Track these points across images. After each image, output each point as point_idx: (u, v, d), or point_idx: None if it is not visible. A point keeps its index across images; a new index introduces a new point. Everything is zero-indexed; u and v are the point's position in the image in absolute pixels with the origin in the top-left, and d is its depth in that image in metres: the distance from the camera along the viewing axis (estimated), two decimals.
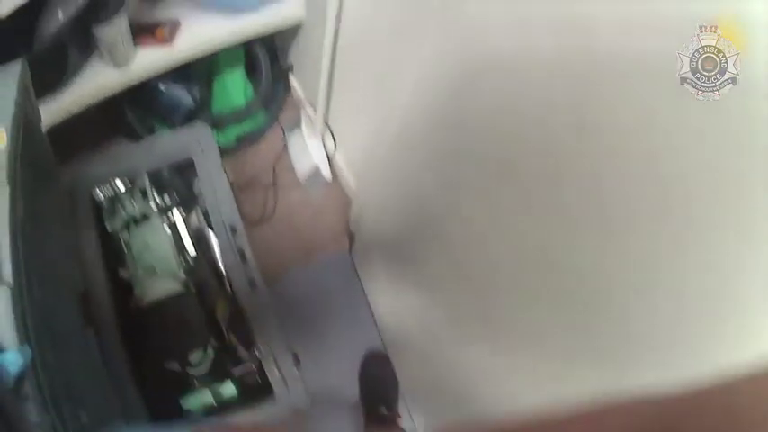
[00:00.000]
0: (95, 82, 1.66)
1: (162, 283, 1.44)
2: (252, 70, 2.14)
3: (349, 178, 2.00)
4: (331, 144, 2.02)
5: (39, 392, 0.90)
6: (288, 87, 2.24)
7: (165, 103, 1.96)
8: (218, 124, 2.02)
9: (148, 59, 1.71)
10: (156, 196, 1.53)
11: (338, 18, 1.60)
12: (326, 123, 1.98)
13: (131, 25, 1.63)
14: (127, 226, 1.53)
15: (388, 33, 1.40)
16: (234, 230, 1.44)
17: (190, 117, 1.94)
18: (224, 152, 1.57)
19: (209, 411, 1.36)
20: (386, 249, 1.73)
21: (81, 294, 1.37)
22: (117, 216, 1.51)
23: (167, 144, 1.58)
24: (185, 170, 1.59)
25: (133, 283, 1.47)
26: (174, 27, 1.74)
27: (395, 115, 1.36)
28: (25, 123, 1.25)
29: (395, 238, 1.61)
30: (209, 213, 1.48)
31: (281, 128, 2.18)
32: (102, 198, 1.51)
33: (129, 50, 1.66)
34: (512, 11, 0.85)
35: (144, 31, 1.71)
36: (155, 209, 1.52)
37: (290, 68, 2.19)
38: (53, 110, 1.61)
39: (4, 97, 1.19)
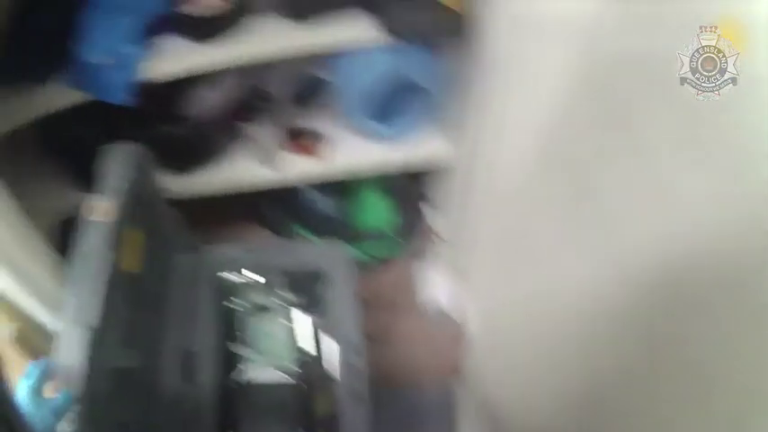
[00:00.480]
0: (237, 171, 1.82)
1: (271, 370, 1.51)
2: (393, 195, 2.22)
3: (470, 317, 1.98)
4: (459, 280, 2.02)
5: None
6: (425, 217, 2.28)
7: (305, 207, 2.09)
8: (353, 239, 2.09)
9: (292, 165, 1.83)
10: (284, 293, 1.60)
11: (488, 168, 1.63)
12: (457, 260, 2.00)
13: (280, 129, 1.77)
14: (249, 310, 1.61)
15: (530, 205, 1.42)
16: (352, 343, 1.47)
17: (327, 225, 2.03)
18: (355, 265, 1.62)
19: None
20: (491, 400, 1.71)
21: (188, 353, 1.46)
22: (242, 299, 1.60)
23: (306, 252, 1.67)
24: (317, 277, 1.64)
25: (242, 360, 1.54)
26: (321, 141, 1.85)
27: (533, 283, 1.37)
28: (139, 198, 1.39)
29: (504, 392, 1.60)
30: (332, 322, 1.53)
31: (414, 254, 2.22)
32: (231, 280, 1.61)
33: (275, 153, 1.78)
34: None
35: (291, 137, 1.84)
36: (281, 304, 1.60)
37: (431, 200, 2.25)
38: (190, 184, 1.78)
39: (119, 175, 1.33)
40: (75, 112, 1.53)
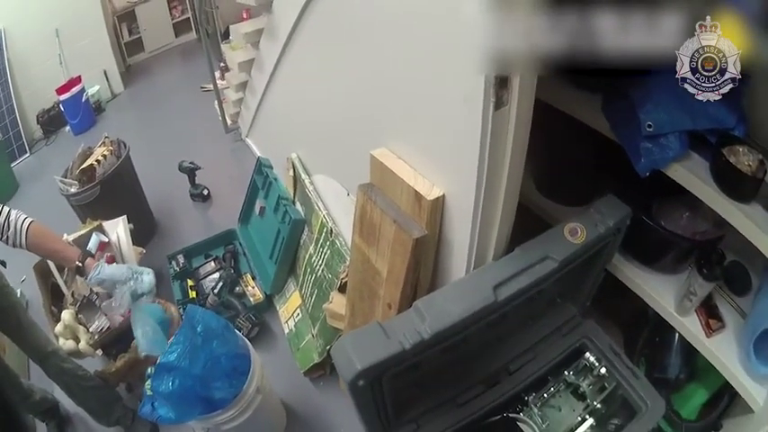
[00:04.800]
0: (653, 287, 1.95)
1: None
2: (711, 402, 2.21)
3: None
4: None
5: None
6: None
7: (664, 352, 2.20)
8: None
9: (689, 323, 1.90)
10: (601, 400, 1.78)
11: None
12: None
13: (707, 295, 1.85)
14: (567, 383, 1.82)
15: None
16: None
17: (657, 380, 2.07)
18: None
19: None
20: None
21: (505, 367, 1.75)
22: (576, 374, 1.81)
23: (640, 387, 1.77)
24: (629, 407, 1.79)
25: (524, 406, 1.77)
26: (721, 328, 1.88)
27: None
28: (597, 246, 1.61)
29: None
30: None
31: None
32: (585, 360, 1.83)
33: (690, 307, 1.87)
34: None
35: (707, 309, 1.91)
36: (592, 403, 1.78)
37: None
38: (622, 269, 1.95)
39: (605, 219, 1.58)
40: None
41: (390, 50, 1.57)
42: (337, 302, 2.23)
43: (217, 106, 4.11)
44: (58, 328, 2.48)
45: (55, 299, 2.76)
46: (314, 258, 2.52)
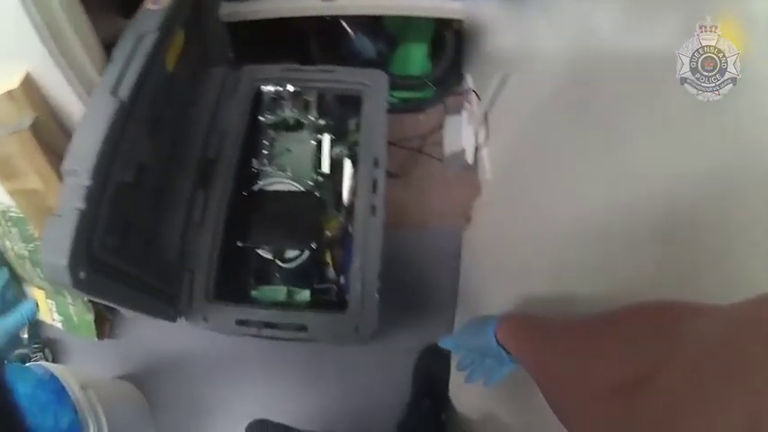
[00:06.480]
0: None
1: (289, 182, 1.63)
2: (435, 49, 2.31)
3: (487, 170, 2.06)
4: (483, 136, 2.11)
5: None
6: (462, 75, 2.36)
7: (349, 47, 2.19)
8: (390, 84, 2.19)
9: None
10: (316, 113, 1.70)
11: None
12: (486, 116, 2.08)
13: None
14: (276, 125, 1.74)
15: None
16: (376, 162, 1.58)
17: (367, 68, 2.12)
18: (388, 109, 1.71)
19: (275, 306, 1.49)
20: (497, 248, 1.81)
21: (206, 159, 1.61)
22: (274, 114, 1.71)
23: (344, 75, 1.74)
24: (349, 105, 1.76)
25: (261, 174, 1.67)
26: None
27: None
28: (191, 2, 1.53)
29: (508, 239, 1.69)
30: (361, 144, 1.63)
31: (445, 107, 2.31)
32: (267, 94, 1.72)
33: None
34: None
35: None
36: (311, 122, 1.70)
37: (468, 59, 2.32)
38: (250, 7, 1.90)
39: None
40: None
41: None
42: None
43: None
44: None
45: None
46: (14, 246, 2.26)
